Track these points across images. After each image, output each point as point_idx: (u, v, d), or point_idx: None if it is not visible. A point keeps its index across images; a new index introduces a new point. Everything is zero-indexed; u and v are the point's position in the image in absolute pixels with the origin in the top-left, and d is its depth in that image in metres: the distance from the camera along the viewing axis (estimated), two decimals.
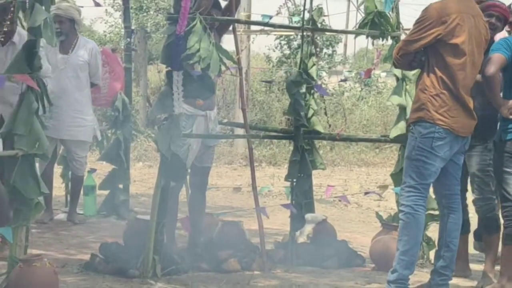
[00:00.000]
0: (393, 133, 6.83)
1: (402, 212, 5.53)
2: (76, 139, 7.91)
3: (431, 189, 5.69)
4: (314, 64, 6.89)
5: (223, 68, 6.01)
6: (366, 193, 8.38)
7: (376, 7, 6.82)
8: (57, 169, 8.70)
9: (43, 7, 5.07)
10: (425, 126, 5.44)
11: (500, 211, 6.08)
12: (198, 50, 5.79)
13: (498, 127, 5.89)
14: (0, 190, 5.61)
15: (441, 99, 5.42)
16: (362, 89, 20.99)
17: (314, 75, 6.88)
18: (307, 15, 6.84)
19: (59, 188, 9.70)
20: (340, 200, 10.98)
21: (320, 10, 6.99)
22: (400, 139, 6.71)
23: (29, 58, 5.07)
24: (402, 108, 6.78)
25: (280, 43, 20.61)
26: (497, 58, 5.72)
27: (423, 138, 5.45)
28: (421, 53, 5.50)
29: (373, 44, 7.32)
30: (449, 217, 5.67)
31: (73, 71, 7.85)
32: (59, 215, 8.42)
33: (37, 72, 5.10)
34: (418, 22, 5.49)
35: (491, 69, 5.67)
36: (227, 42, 7.43)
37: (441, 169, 5.54)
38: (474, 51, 5.48)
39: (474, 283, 6.23)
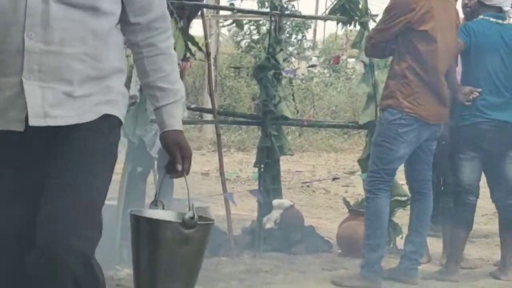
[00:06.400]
0: (363, 119, 6.80)
1: (365, 197, 5.56)
2: None
3: (401, 175, 5.71)
4: (282, 49, 6.86)
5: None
6: (334, 179, 8.39)
7: None
8: None
9: None
10: (393, 112, 5.45)
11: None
12: None
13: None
14: None
15: (410, 87, 5.41)
16: (330, 75, 21.02)
17: (280, 61, 6.85)
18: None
19: None
20: (308, 186, 11.02)
21: None
22: (368, 125, 6.71)
23: None
24: (371, 95, 6.76)
25: (249, 29, 20.57)
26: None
27: (389, 125, 5.45)
28: (392, 41, 5.49)
29: (342, 28, 7.25)
30: (419, 202, 5.70)
31: None
32: None
33: None
34: (387, 10, 5.48)
35: None
36: (196, 27, 7.39)
37: (413, 155, 5.56)
38: (446, 36, 5.47)
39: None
